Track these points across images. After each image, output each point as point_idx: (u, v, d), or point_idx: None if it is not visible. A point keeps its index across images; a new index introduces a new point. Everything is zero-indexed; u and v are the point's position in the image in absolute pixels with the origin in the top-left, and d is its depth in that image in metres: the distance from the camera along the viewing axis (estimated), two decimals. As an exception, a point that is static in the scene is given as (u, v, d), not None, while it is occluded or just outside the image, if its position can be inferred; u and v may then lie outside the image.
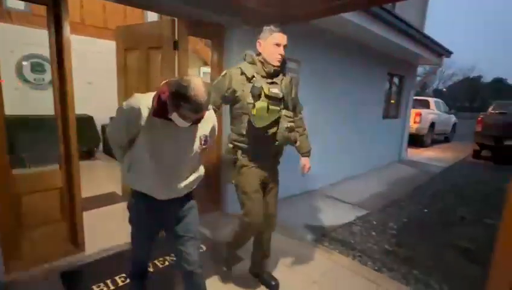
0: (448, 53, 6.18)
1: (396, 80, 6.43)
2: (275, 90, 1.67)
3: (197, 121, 1.23)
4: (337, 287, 2.04)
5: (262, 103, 1.61)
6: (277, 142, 1.72)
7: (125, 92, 3.04)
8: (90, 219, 2.65)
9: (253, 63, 1.71)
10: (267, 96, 1.63)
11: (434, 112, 9.40)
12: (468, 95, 42.04)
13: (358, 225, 3.15)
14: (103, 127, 5.48)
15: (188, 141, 1.31)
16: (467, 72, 44.69)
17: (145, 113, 1.19)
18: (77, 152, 2.13)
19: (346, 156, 4.78)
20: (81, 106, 4.41)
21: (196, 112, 1.12)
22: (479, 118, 7.40)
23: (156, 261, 2.14)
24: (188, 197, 1.44)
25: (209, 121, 1.37)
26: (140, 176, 1.30)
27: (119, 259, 2.15)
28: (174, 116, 1.14)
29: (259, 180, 1.76)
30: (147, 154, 1.25)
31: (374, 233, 2.97)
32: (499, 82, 44.99)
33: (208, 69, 4.84)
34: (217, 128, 1.48)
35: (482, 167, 6.71)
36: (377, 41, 4.46)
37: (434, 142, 9.91)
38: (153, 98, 1.19)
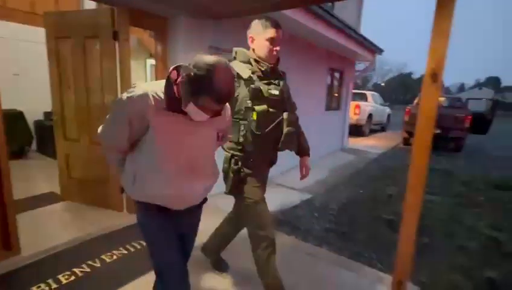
0: (380, 51, 6.87)
1: (337, 74, 6.96)
2: (274, 92, 1.52)
3: (217, 113, 1.01)
4: (281, 263, 2.24)
5: (262, 107, 1.45)
6: (279, 149, 1.61)
7: (59, 83, 2.84)
8: (27, 221, 2.48)
9: (247, 62, 1.51)
10: (266, 98, 1.48)
11: (371, 104, 10.39)
12: (402, 89, 46.76)
13: (303, 208, 3.43)
14: (37, 123, 4.98)
15: (206, 137, 1.10)
16: (400, 68, 50.46)
17: (153, 104, 0.96)
18: (5, 151, 1.96)
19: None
20: (7, 100, 3.99)
21: (220, 101, 0.90)
22: (407, 109, 8.41)
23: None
24: (201, 204, 1.25)
25: (226, 112, 1.18)
26: (150, 184, 1.03)
27: (61, 258, 2.06)
28: (191, 108, 0.92)
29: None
30: (159, 156, 1.00)
31: (316, 214, 3.27)
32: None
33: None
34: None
35: (410, 152, 7.66)
36: (319, 39, 4.79)
37: (372, 131, 10.97)
38: (165, 87, 0.97)
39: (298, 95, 5.08)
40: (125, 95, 0.99)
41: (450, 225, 3.21)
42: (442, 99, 8.83)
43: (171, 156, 1.03)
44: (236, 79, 1.42)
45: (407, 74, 52.37)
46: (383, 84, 50.16)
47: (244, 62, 1.52)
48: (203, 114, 0.95)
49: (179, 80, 0.93)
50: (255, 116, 1.44)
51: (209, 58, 0.89)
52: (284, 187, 4.12)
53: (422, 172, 1.70)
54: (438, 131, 7.59)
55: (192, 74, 0.87)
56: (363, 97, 10.43)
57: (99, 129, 1.13)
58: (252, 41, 1.53)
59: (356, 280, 2.09)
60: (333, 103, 6.93)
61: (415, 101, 9.02)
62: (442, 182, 4.78)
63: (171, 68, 0.99)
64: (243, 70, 1.48)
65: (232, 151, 1.56)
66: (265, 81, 1.52)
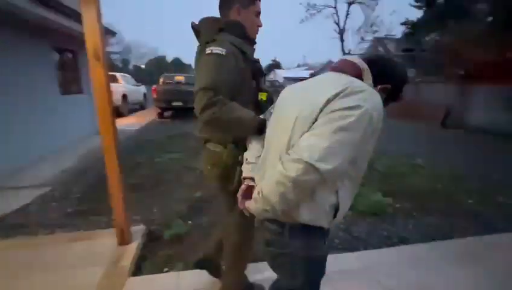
0: (112, 33, 6.91)
1: (70, 55, 6.31)
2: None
3: None
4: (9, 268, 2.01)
5: (264, 87, 1.39)
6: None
7: None
8: None
9: (243, 37, 1.30)
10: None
11: (123, 85, 10.47)
12: (158, 70, 49.86)
13: (37, 203, 3.09)
14: None
15: None
16: (155, 52, 54.36)
17: None
18: None
19: (22, 139, 4.26)
20: None
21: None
22: (153, 88, 9.42)
23: None
24: None
25: None
26: (350, 200, 0.98)
27: None
28: None
29: None
30: (365, 163, 0.95)
31: (54, 203, 3.07)
32: (177, 60, 57.91)
33: None
34: None
35: (164, 123, 8.72)
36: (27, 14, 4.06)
37: (132, 111, 11.24)
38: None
39: (14, 81, 4.23)
40: (366, 102, 0.82)
41: (182, 172, 4.12)
42: (181, 78, 10.49)
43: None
44: (238, 56, 1.24)
45: (162, 57, 57.22)
46: (143, 66, 51.14)
47: (239, 37, 1.29)
48: None
49: (384, 86, 0.98)
50: (264, 97, 1.36)
51: (382, 55, 1.01)
52: (14, 189, 3.46)
53: (111, 132, 2.07)
54: (180, 103, 9.11)
55: (400, 75, 1.01)
56: (114, 79, 10.24)
57: (324, 155, 0.79)
58: (239, 15, 1.32)
59: (89, 246, 2.23)
60: (73, 86, 6.31)
61: (160, 80, 10.14)
62: (182, 142, 5.91)
63: (360, 66, 0.95)
64: (242, 44, 1.29)
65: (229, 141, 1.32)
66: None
